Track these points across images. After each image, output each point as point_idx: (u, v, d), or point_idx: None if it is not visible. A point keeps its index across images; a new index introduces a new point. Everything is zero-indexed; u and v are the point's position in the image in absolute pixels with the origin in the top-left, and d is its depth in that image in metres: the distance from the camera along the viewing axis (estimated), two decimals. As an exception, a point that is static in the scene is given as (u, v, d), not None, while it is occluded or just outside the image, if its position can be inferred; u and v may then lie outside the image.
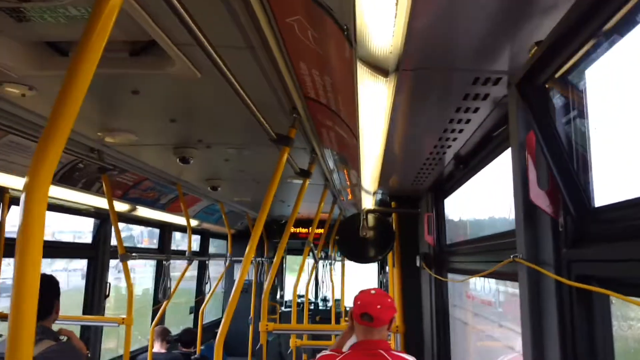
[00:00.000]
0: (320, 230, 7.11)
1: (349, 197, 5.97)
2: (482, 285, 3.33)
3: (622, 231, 1.22)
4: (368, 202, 4.68)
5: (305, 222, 9.02)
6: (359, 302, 2.43)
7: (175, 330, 5.88)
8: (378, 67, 1.52)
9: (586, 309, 1.36)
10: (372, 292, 2.53)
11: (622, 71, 1.28)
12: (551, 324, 1.46)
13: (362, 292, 2.53)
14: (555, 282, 1.44)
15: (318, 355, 2.52)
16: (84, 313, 4.86)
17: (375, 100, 1.85)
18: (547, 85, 1.37)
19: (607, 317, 1.32)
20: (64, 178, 3.58)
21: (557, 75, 1.32)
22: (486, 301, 3.15)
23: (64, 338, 2.85)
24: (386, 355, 2.32)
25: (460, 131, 2.16)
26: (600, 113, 1.36)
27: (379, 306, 2.38)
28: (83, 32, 1.02)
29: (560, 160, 1.36)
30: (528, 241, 1.57)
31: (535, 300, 1.54)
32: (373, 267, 10.33)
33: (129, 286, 3.83)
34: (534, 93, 1.38)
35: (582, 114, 1.39)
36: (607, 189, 1.34)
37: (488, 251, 2.43)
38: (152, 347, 4.90)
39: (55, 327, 2.91)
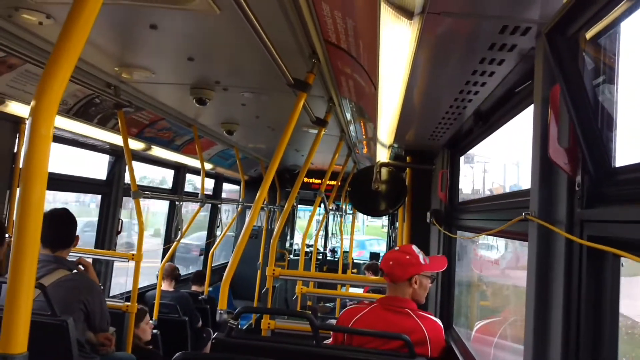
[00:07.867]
0: (333, 182, 7.12)
1: (364, 150, 5.93)
2: (490, 245, 3.32)
3: (640, 192, 1.18)
4: (383, 155, 4.64)
5: (319, 173, 9.02)
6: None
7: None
8: (402, 8, 1.45)
9: (596, 270, 1.33)
10: (396, 249, 2.68)
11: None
12: (557, 284, 1.44)
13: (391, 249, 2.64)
14: (565, 241, 1.41)
15: (344, 310, 2.59)
16: (96, 247, 4.97)
17: (397, 46, 1.78)
18: (578, 37, 1.30)
19: (616, 279, 1.30)
20: (80, 112, 3.58)
21: (589, 26, 1.25)
22: (492, 260, 3.15)
23: (81, 267, 2.94)
24: (413, 314, 2.38)
25: (483, 84, 2.09)
26: (632, 69, 1.29)
27: (391, 262, 2.49)
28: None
29: (584, 116, 1.31)
30: (542, 199, 1.53)
31: (543, 260, 1.52)
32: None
33: (140, 224, 3.88)
34: (564, 44, 1.31)
35: (612, 68, 1.32)
36: (630, 149, 1.30)
37: (500, 209, 2.40)
38: (161, 284, 5.01)
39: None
